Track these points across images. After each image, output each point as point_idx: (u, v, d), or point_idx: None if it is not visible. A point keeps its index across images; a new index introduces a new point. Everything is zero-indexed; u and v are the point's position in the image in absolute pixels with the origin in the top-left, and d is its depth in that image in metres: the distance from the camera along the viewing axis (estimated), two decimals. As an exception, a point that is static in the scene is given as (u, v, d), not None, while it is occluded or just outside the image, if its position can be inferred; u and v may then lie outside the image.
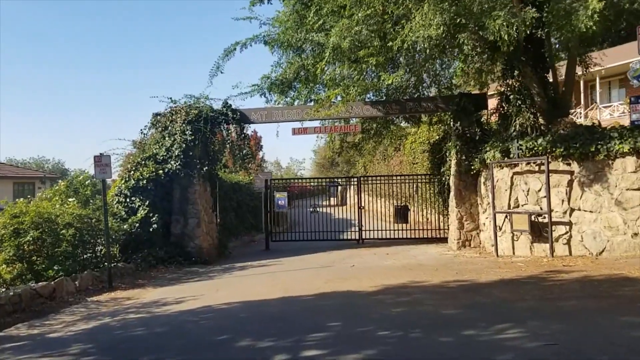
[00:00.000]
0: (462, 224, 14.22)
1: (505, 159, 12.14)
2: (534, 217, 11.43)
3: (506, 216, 12.02)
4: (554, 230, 11.17)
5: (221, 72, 13.82)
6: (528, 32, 9.15)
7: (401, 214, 22.96)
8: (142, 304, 9.36)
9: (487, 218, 13.20)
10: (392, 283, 9.46)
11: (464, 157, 14.22)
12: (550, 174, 11.15)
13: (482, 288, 8.54)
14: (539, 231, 11.48)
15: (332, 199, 38.24)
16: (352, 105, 14.52)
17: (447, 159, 15.74)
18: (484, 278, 9.39)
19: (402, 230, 17.56)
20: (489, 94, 16.20)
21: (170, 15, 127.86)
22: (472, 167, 13.63)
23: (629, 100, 27.49)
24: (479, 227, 14.14)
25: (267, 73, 14.12)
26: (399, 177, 18.72)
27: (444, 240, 16.27)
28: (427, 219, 19.02)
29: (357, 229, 17.63)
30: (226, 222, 19.39)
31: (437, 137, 19.99)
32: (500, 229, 12.23)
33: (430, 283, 9.27)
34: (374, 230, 17.52)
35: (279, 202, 18.05)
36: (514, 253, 12.02)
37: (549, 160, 11.18)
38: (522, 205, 11.86)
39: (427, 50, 9.17)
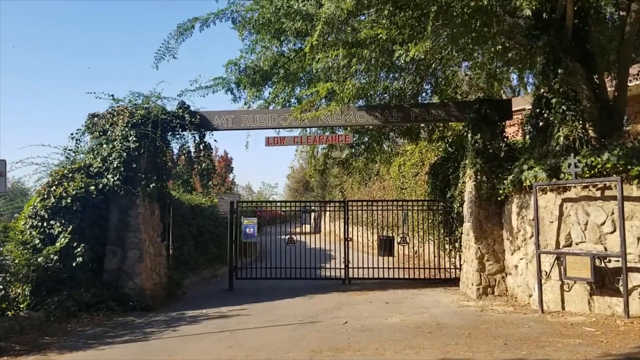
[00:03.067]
0: (483, 265, 11.04)
1: (554, 180, 9.02)
2: (599, 260, 8.30)
3: (557, 258, 8.86)
4: (627, 280, 8.05)
5: (174, 57, 10.46)
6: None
7: (386, 246, 20.10)
8: (21, 393, 5.87)
9: (522, 259, 10.03)
10: (416, 363, 6.16)
11: (485, 179, 11.13)
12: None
13: (571, 383, 5.29)
14: (602, 280, 8.35)
15: (305, 225, 34.93)
16: (344, 109, 11.40)
17: (459, 181, 12.64)
18: (555, 358, 6.15)
19: (396, 268, 14.24)
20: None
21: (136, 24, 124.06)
22: (500, 192, 10.51)
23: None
24: (504, 269, 10.98)
25: (235, 58, 10.81)
26: (396, 203, 15.46)
27: (450, 282, 13.13)
28: (416, 253, 15.79)
29: (341, 264, 14.28)
30: (183, 254, 15.92)
31: (436, 157, 17.06)
32: (547, 275, 9.05)
33: (476, 366, 5.99)
34: (362, 267, 14.20)
35: (247, 230, 14.63)
36: (563, 308, 8.84)
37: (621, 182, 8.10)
38: (577, 244, 8.72)
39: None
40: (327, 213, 33.47)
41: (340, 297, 11.79)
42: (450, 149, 15.12)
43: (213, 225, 18.84)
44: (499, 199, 10.71)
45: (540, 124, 10.46)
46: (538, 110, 10.47)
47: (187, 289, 13.93)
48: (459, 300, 10.71)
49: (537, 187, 9.14)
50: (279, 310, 10.35)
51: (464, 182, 12.16)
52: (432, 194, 15.60)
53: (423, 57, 7.65)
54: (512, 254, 10.52)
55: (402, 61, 7.89)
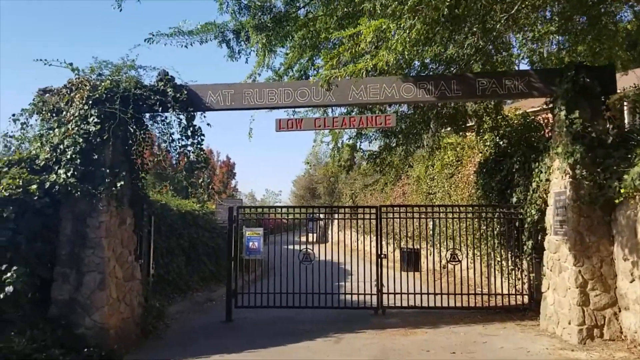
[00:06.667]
0: (587, 296, 7.76)
1: None
2: None
3: None
4: None
5: (139, -2, 7.26)
6: None
7: (411, 259, 17.11)
8: None
9: (663, 291, 6.77)
10: None
11: (585, 174, 7.87)
12: None
13: None
14: None
15: (311, 234, 31.60)
16: (384, 81, 8.21)
17: (535, 179, 9.42)
18: None
19: (437, 294, 10.87)
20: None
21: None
22: (621, 191, 7.22)
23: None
24: (617, 302, 7.71)
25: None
26: (445, 209, 11.96)
27: (517, 312, 10.00)
28: (444, 268, 12.33)
29: (373, 289, 10.99)
30: (170, 272, 12.68)
31: (480, 154, 13.82)
32: None
33: None
34: (400, 293, 10.94)
35: (250, 244, 11.34)
36: None
37: None
38: None
39: None
40: (337, 221, 30.19)
41: (379, 338, 8.51)
42: (501, 143, 11.93)
43: (209, 237, 15.60)
44: (616, 201, 7.44)
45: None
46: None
47: (172, 320, 10.71)
48: (556, 349, 7.41)
49: None
50: (296, 367, 7.08)
51: (547, 180, 8.93)
52: (483, 198, 12.34)
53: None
54: (635, 281, 7.25)
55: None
